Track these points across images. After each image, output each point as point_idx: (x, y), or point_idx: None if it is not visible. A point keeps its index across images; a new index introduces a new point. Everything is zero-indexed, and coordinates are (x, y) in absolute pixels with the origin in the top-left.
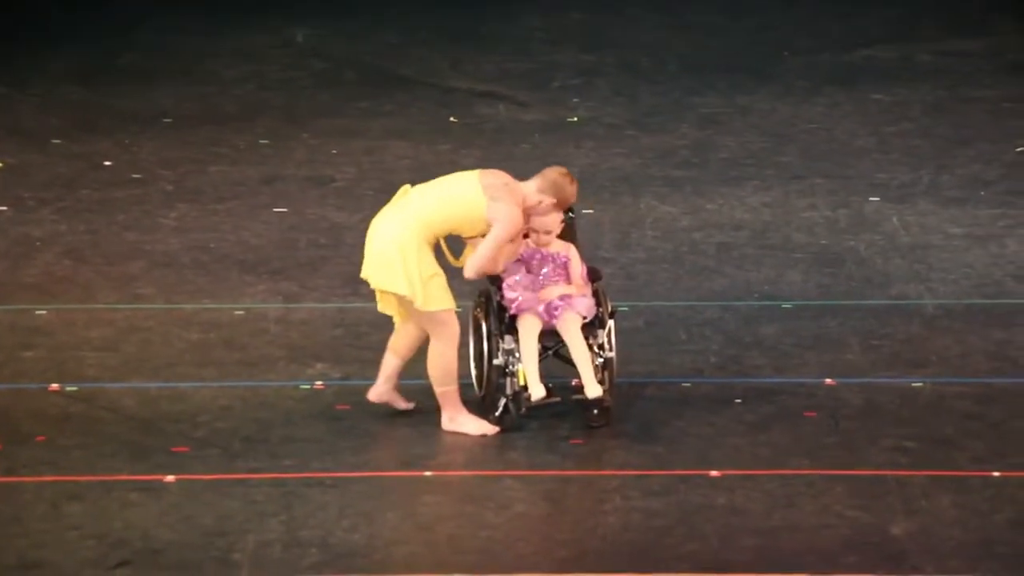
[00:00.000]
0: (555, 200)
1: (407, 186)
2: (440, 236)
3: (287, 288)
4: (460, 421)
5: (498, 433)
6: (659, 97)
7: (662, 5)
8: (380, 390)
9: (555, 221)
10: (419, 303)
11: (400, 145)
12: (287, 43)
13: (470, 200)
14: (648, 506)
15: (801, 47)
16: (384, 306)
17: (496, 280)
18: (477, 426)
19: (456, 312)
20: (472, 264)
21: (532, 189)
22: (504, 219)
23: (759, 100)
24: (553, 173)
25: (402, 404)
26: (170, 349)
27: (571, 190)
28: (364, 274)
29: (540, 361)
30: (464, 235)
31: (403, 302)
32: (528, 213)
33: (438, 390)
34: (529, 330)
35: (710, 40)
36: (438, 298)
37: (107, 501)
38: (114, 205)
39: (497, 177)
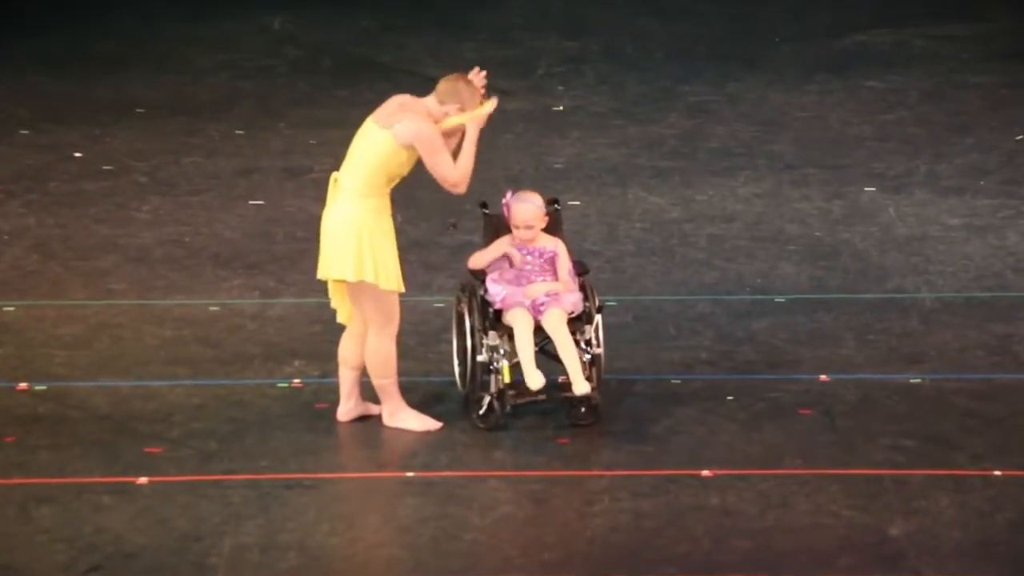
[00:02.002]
0: (459, 105)
1: (334, 174)
2: (384, 192)
3: (264, 283)
4: (401, 416)
5: (441, 429)
6: (646, 85)
7: None
8: (347, 408)
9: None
10: (371, 277)
11: None
12: (263, 30)
13: (376, 141)
14: (637, 507)
15: (792, 33)
16: (339, 305)
17: (480, 274)
18: (419, 422)
19: (399, 296)
20: (453, 177)
21: (432, 103)
22: (418, 134)
23: (749, 88)
24: (443, 82)
25: (375, 410)
26: (143, 346)
27: (468, 90)
28: (320, 273)
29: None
30: (402, 174)
31: (352, 292)
32: (440, 125)
33: (376, 383)
34: (522, 325)
35: (698, 26)
36: (389, 277)
37: (78, 504)
38: (85, 198)
39: (388, 105)
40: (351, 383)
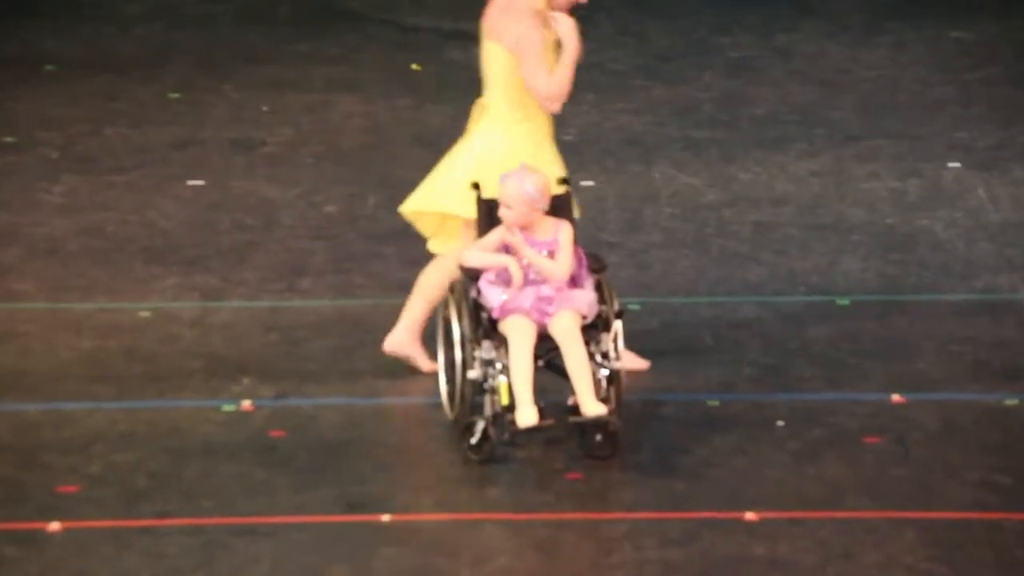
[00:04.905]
0: None
1: (481, 99)
2: (535, 112)
3: (205, 282)
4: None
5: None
6: (676, 37)
7: None
8: (399, 338)
9: None
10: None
11: (349, 100)
12: None
13: (491, 56)
14: (666, 558)
15: None
16: (436, 234)
17: (472, 272)
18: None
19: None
20: (549, 89)
21: None
22: (518, 38)
23: (804, 40)
24: None
25: (425, 365)
26: (55, 360)
27: None
28: (422, 204)
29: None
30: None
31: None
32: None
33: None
34: (521, 335)
35: None
36: None
37: None
38: None
39: (492, 9)
40: (419, 313)
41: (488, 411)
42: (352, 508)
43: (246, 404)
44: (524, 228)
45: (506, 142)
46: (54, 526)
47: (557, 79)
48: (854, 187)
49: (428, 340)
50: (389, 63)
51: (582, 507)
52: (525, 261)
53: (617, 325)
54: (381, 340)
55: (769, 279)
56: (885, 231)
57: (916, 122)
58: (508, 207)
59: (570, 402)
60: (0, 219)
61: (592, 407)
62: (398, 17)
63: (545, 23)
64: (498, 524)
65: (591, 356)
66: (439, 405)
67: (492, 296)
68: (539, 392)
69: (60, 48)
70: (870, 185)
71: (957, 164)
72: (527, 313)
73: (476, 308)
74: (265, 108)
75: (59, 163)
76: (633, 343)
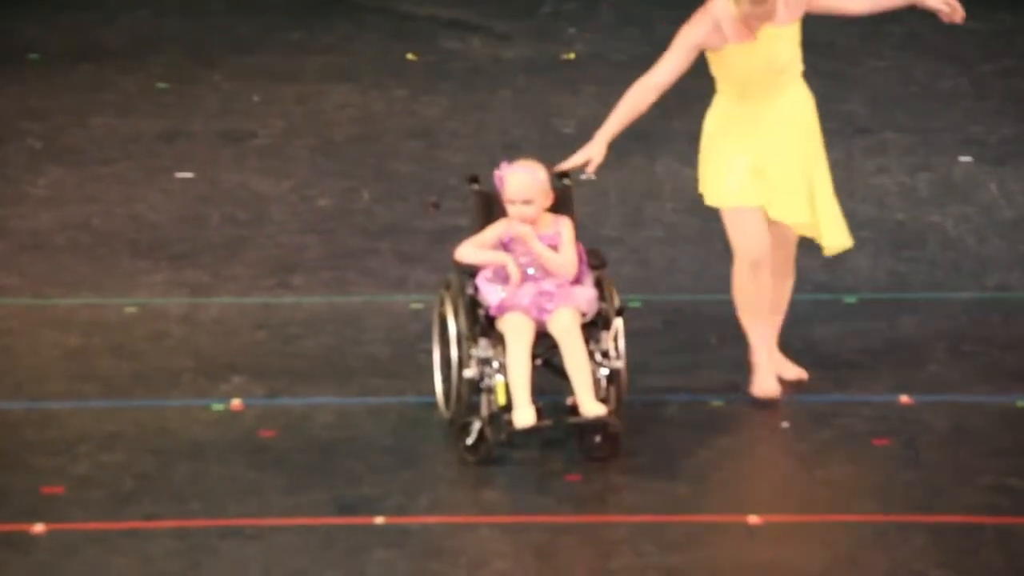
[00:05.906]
0: None
1: None
2: (730, 94)
3: (194, 278)
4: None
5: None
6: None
7: None
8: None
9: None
10: (700, 187)
11: (342, 90)
12: None
13: None
14: (667, 562)
15: None
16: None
17: (469, 268)
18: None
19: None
20: (650, 74)
21: None
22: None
23: (812, 30)
24: None
25: (791, 373)
26: (39, 358)
27: None
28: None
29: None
30: (734, 76)
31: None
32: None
33: None
34: (519, 333)
35: None
36: (708, 188)
37: None
38: None
39: None
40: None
41: (485, 411)
42: (345, 510)
43: (236, 403)
44: (529, 223)
45: (706, 118)
46: (38, 528)
47: (647, 77)
48: (863, 182)
49: (427, 339)
50: (384, 52)
51: (581, 510)
52: (523, 259)
53: (618, 323)
54: (375, 338)
55: None
56: (894, 227)
57: (928, 115)
58: (528, 201)
59: (569, 402)
60: None
61: (591, 407)
62: (393, 5)
63: (748, 26)
64: (495, 527)
65: (591, 355)
66: (434, 405)
67: (490, 293)
68: (537, 392)
69: (44, 36)
70: (879, 180)
71: (969, 158)
72: (526, 310)
73: (473, 305)
74: (256, 99)
75: (43, 155)
76: (634, 342)
